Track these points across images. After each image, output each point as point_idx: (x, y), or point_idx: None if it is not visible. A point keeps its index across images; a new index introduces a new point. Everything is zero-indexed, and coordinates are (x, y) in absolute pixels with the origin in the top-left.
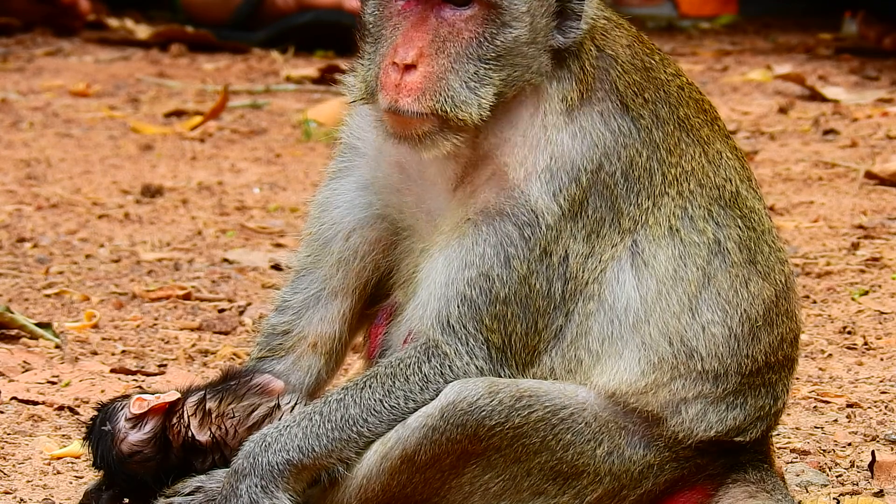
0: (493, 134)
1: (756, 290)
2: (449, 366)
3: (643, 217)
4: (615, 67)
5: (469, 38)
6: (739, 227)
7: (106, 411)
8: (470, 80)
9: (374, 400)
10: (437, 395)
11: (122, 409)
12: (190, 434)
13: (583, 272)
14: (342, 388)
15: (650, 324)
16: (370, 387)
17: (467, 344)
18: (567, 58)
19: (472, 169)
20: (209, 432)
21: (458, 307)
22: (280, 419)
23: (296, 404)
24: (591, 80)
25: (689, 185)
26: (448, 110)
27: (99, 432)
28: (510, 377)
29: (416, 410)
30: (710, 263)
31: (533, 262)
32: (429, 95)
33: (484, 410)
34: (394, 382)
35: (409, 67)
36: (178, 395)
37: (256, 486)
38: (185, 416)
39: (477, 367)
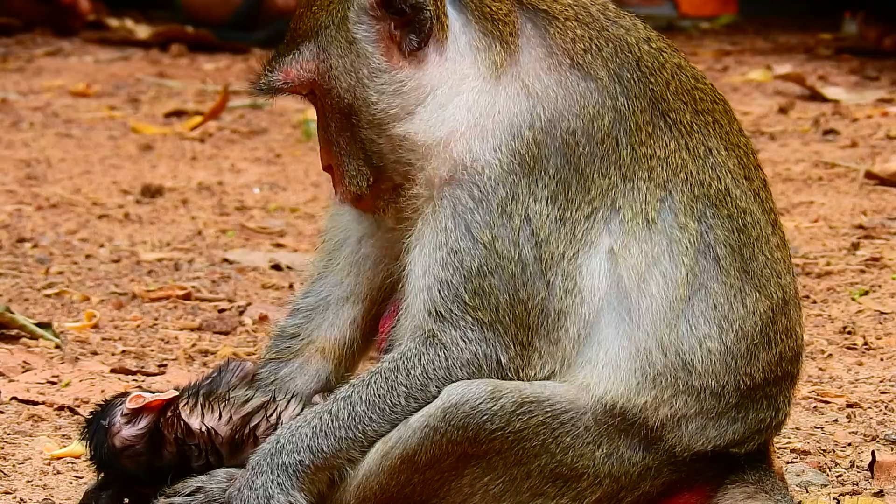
0: (419, 121)
1: (752, 306)
2: (446, 357)
3: (613, 194)
4: (553, 24)
5: (334, 122)
6: (727, 229)
7: (104, 407)
8: (347, 153)
9: (378, 396)
10: (438, 392)
11: (119, 404)
12: (183, 424)
13: (556, 238)
14: (349, 385)
15: (640, 328)
16: (375, 383)
17: (459, 328)
18: (477, 22)
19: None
20: (200, 420)
21: (440, 292)
22: (284, 421)
23: (290, 399)
24: (518, 39)
25: (665, 173)
26: (354, 187)
27: (96, 426)
28: (510, 362)
29: (417, 409)
30: (698, 264)
31: (494, 227)
32: (344, 185)
33: (486, 415)
34: (396, 377)
35: (328, 169)
36: (176, 394)
37: (272, 483)
38: (179, 407)
39: (472, 353)
